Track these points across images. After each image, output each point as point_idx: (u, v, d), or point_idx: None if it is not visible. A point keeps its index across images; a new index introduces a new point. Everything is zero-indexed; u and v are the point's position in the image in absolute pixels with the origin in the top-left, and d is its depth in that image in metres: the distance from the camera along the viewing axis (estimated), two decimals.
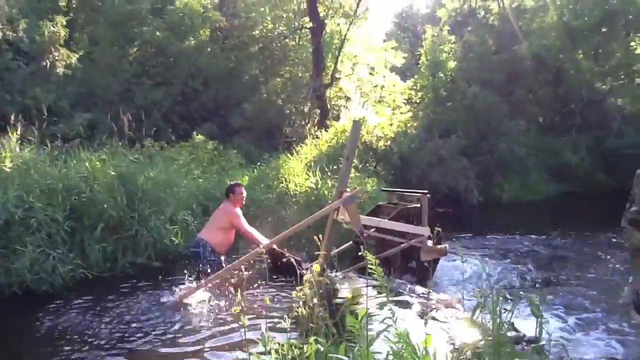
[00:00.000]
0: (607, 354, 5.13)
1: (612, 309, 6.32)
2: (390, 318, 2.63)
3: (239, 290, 3.08)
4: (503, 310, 2.90)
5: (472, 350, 2.87)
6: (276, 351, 2.62)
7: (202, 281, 5.92)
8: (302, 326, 3.40)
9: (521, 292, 6.65)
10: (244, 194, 7.03)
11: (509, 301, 3.18)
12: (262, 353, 2.65)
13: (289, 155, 11.86)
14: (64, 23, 14.17)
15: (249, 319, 5.04)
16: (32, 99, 12.41)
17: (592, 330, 5.78)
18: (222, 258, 6.81)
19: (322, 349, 2.47)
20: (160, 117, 15.48)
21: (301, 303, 3.92)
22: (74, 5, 19.38)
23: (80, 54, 15.31)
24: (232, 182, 7.46)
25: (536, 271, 8.19)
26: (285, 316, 2.92)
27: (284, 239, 6.38)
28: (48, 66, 13.45)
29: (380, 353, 2.66)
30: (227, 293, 5.93)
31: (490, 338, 2.80)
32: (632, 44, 19.05)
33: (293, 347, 2.67)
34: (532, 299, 2.92)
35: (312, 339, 2.49)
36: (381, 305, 2.64)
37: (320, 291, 4.13)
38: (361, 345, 2.55)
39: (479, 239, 10.54)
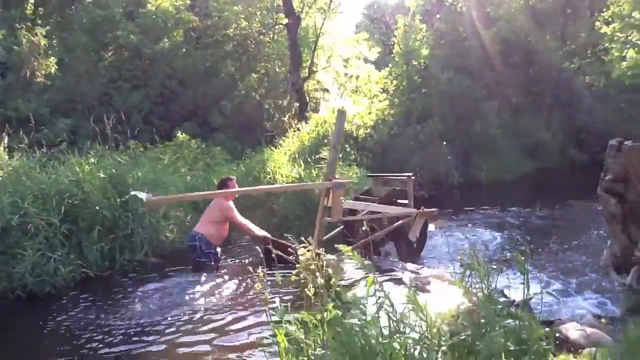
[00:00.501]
0: (590, 310, 5.48)
1: (593, 271, 6.71)
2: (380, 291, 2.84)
3: (259, 268, 3.27)
4: (491, 272, 3.16)
5: (467, 310, 3.09)
6: (296, 319, 2.85)
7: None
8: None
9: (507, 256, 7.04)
10: (236, 187, 7.26)
11: (495, 266, 3.38)
12: (279, 322, 2.85)
13: (272, 148, 12.10)
14: (44, 33, 14.16)
15: (256, 301, 5.31)
16: (14, 110, 12.42)
17: (575, 290, 6.16)
18: (218, 250, 7.06)
19: (339, 313, 2.70)
20: (141, 119, 15.54)
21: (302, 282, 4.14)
22: (41, 13, 19.29)
23: (54, 61, 15.30)
24: (223, 177, 7.68)
25: (520, 241, 8.59)
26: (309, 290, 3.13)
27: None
28: (28, 76, 13.43)
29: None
30: (227, 283, 6.16)
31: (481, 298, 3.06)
32: (597, 23, 19.57)
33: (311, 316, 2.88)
34: (518, 257, 3.14)
35: (330, 305, 2.71)
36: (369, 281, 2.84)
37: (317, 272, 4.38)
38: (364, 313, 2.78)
39: (463, 217, 10.92)
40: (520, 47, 19.60)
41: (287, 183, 9.44)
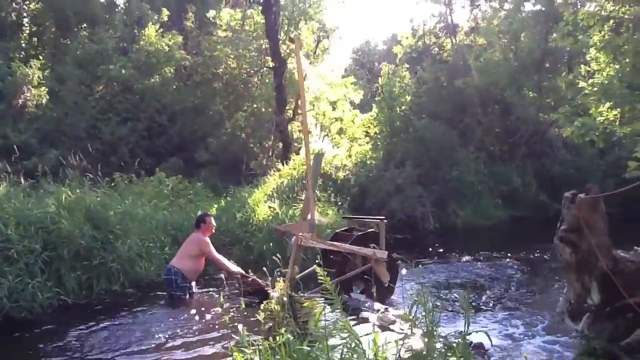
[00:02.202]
0: (543, 356, 5.79)
1: (550, 317, 7.03)
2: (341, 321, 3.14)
3: (220, 294, 3.56)
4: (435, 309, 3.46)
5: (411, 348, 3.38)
6: (252, 344, 3.14)
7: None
8: (272, 329, 3.90)
9: (455, 295, 7.34)
10: (214, 223, 7.56)
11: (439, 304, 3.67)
12: (240, 346, 3.14)
13: (253, 187, 12.42)
14: (39, 66, 14.55)
15: (224, 330, 5.53)
16: (3, 138, 12.68)
17: (531, 336, 6.48)
18: (193, 284, 7.30)
19: (291, 338, 3.00)
20: (127, 152, 15.83)
21: (269, 313, 4.43)
22: (35, 44, 19.74)
23: (45, 92, 15.65)
24: (201, 213, 7.98)
25: (486, 288, 8.89)
26: (260, 315, 3.41)
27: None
28: (19, 105, 13.75)
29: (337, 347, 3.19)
30: (199, 315, 6.38)
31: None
32: (576, 80, 20.36)
33: (266, 341, 3.19)
34: (463, 296, 3.46)
35: (282, 330, 3.01)
36: (333, 310, 3.12)
37: (286, 306, 4.66)
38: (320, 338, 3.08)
39: (435, 261, 11.21)
40: (497, 98, 20.34)
41: (263, 221, 9.71)
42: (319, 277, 7.88)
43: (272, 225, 7.84)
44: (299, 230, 7.13)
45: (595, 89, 17.98)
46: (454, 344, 3.24)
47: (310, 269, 8.08)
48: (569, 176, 18.20)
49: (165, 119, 17.88)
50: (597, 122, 18.59)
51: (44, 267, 7.22)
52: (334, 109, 21.06)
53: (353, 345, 3.03)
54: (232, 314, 5.97)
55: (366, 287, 7.70)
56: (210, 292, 7.64)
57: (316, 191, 9.85)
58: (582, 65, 19.60)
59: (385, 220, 8.64)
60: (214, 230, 7.67)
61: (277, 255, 7.11)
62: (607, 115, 19.20)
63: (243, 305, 3.68)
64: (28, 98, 14.28)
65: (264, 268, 5.15)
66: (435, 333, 3.30)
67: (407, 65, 23.42)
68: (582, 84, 19.50)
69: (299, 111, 19.10)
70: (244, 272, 7.28)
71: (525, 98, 20.39)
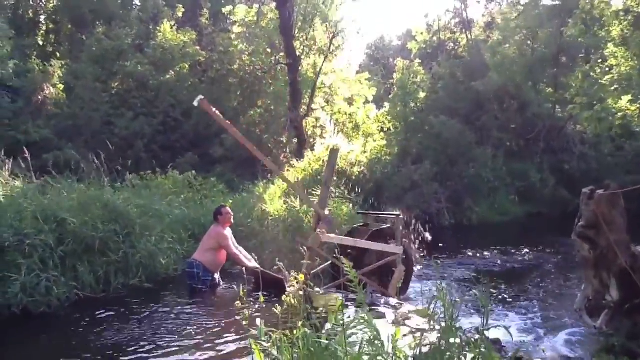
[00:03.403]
0: (561, 352, 5.74)
1: (567, 314, 6.97)
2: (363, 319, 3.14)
3: (241, 287, 3.56)
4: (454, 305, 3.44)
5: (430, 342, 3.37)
6: (270, 337, 3.15)
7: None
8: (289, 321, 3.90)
9: (472, 291, 7.30)
10: (231, 213, 7.59)
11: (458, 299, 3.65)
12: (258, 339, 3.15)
13: (268, 183, 12.43)
14: (59, 65, 14.72)
15: (243, 324, 5.55)
16: (24, 134, 12.86)
17: (549, 332, 6.43)
18: (216, 276, 7.36)
19: (308, 332, 3.01)
20: (143, 147, 15.96)
21: (286, 306, 4.44)
22: (52, 41, 19.96)
23: (62, 88, 15.83)
24: (218, 206, 8.03)
25: (503, 284, 8.84)
26: (278, 309, 3.42)
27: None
28: (39, 102, 13.93)
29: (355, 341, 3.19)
30: (220, 309, 6.41)
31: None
32: (592, 74, 20.16)
33: (284, 334, 3.19)
34: (481, 291, 3.45)
35: (300, 323, 3.01)
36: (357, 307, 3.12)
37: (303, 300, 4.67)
38: (338, 331, 3.08)
39: (451, 257, 11.18)
40: (514, 94, 20.17)
41: (278, 217, 9.71)
42: (334, 273, 7.90)
43: (299, 241, 7.65)
44: (318, 241, 7.06)
45: (614, 78, 17.91)
46: (473, 340, 3.22)
47: (326, 264, 8.12)
48: (587, 172, 18.02)
49: (179, 114, 17.99)
50: (616, 109, 18.58)
51: (58, 262, 7.27)
52: (350, 105, 21.02)
53: (372, 337, 3.02)
54: (251, 308, 5.98)
55: (381, 283, 7.69)
56: (232, 286, 7.67)
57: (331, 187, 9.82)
58: (599, 60, 19.44)
59: (401, 216, 8.63)
60: (232, 220, 7.71)
61: (292, 249, 7.19)
62: (626, 108, 19.09)
63: (262, 299, 3.69)
64: (47, 95, 14.46)
65: (281, 263, 5.16)
66: (454, 328, 3.29)
67: (420, 61, 23.33)
68: (599, 76, 19.42)
69: (313, 107, 19.13)
70: (260, 268, 7.30)
71: (541, 94, 20.22)
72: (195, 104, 5.84)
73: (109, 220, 8.06)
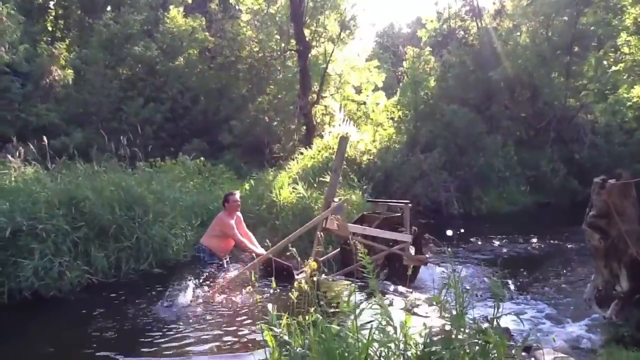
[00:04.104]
0: (570, 340, 5.74)
1: (577, 303, 6.97)
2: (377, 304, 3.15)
3: (252, 272, 3.57)
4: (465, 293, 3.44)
5: (440, 325, 3.38)
6: (280, 323, 3.16)
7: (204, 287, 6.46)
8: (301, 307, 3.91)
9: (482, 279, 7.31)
10: (238, 201, 7.59)
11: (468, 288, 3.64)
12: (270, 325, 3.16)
13: (277, 170, 12.46)
14: (65, 47, 14.75)
15: (254, 309, 5.59)
16: (35, 116, 12.91)
17: (558, 321, 6.44)
18: (224, 261, 7.39)
19: (320, 317, 3.02)
20: (152, 133, 16.01)
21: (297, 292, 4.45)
22: (61, 27, 19.96)
23: (71, 73, 15.87)
24: (226, 192, 8.04)
25: (512, 273, 8.83)
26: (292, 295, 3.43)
27: (278, 249, 6.91)
28: (48, 85, 13.98)
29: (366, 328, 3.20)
30: (225, 296, 6.43)
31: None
32: (604, 62, 19.97)
33: (295, 320, 3.21)
34: (494, 282, 3.44)
35: (312, 309, 3.03)
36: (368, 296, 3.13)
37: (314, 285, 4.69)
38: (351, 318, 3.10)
39: (460, 246, 11.17)
40: (525, 83, 20.01)
41: (288, 204, 9.74)
42: (344, 260, 7.89)
43: (321, 232, 7.63)
44: (345, 228, 7.09)
45: (627, 65, 17.79)
46: (484, 328, 3.23)
47: (334, 251, 8.14)
48: (598, 162, 17.89)
49: (188, 100, 18.00)
50: (630, 99, 18.47)
51: (71, 246, 7.33)
52: (358, 92, 20.94)
53: (384, 323, 3.04)
54: (262, 293, 6.01)
55: (390, 270, 7.71)
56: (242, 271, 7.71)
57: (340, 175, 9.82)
58: (612, 50, 19.25)
59: (410, 204, 8.62)
60: (239, 207, 7.71)
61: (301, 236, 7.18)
62: (639, 98, 18.95)
63: (274, 285, 3.70)
64: (55, 78, 14.51)
65: (293, 249, 5.17)
66: (464, 317, 3.30)
67: (430, 49, 23.16)
68: (612, 63, 19.24)
69: (323, 94, 19.08)
70: (266, 254, 7.30)
71: (553, 82, 20.04)
72: None
73: (126, 206, 8.12)
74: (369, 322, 3.09)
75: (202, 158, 13.99)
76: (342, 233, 7.07)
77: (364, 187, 12.70)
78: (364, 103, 20.70)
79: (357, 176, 12.88)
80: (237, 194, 7.66)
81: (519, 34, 22.07)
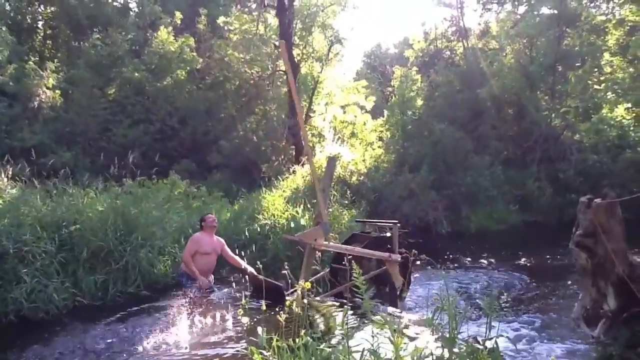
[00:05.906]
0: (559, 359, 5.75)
1: (565, 323, 6.98)
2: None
3: (242, 294, 3.57)
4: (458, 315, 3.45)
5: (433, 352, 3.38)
6: (270, 345, 3.14)
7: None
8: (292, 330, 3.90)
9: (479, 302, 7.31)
10: (214, 221, 7.67)
11: (462, 311, 3.66)
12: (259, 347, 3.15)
13: (268, 190, 12.43)
14: (54, 68, 14.71)
15: (243, 331, 5.54)
16: (20, 140, 12.84)
17: (546, 341, 6.43)
18: (209, 280, 7.36)
19: (310, 340, 3.01)
20: (140, 155, 15.92)
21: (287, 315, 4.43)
22: (50, 47, 19.95)
23: (59, 94, 15.81)
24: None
25: (500, 293, 8.83)
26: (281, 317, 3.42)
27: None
28: (35, 107, 13.92)
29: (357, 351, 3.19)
30: (209, 315, 6.38)
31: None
32: (589, 82, 20.26)
33: (285, 343, 3.19)
34: (485, 300, 3.46)
35: (302, 332, 3.02)
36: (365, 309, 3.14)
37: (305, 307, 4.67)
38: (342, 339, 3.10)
39: (448, 265, 11.19)
40: (511, 102, 20.26)
41: (279, 224, 9.72)
42: (330, 280, 7.87)
43: (285, 236, 7.85)
44: (313, 236, 7.15)
45: (609, 85, 18.13)
46: (477, 349, 3.24)
47: (322, 272, 8.12)
48: (584, 180, 18.05)
49: (176, 121, 17.98)
50: (613, 118, 18.79)
51: (59, 269, 7.27)
52: (344, 112, 21.08)
53: (377, 344, 3.03)
54: (251, 315, 5.97)
55: (379, 291, 7.68)
56: (229, 292, 7.66)
57: (329, 194, 9.84)
58: (595, 69, 19.59)
59: (399, 224, 8.64)
60: (216, 226, 7.74)
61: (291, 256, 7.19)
62: (623, 117, 19.26)
63: (264, 307, 3.69)
64: (43, 100, 14.45)
65: (285, 270, 5.16)
66: (456, 339, 3.30)
67: (417, 69, 23.44)
68: (593, 80, 19.55)
69: (311, 114, 19.16)
70: (253, 272, 7.28)
71: (539, 101, 20.30)
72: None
73: (117, 229, 8.07)
74: (359, 345, 3.08)
75: (187, 181, 13.85)
76: (305, 239, 7.11)
77: (361, 209, 12.75)
78: (353, 124, 20.83)
79: (347, 196, 12.92)
80: (213, 215, 7.78)
81: (504, 54, 22.40)
